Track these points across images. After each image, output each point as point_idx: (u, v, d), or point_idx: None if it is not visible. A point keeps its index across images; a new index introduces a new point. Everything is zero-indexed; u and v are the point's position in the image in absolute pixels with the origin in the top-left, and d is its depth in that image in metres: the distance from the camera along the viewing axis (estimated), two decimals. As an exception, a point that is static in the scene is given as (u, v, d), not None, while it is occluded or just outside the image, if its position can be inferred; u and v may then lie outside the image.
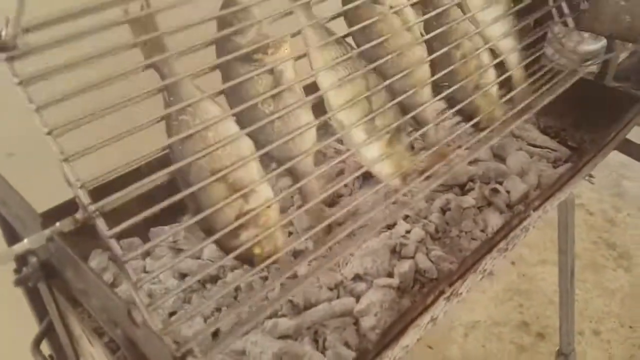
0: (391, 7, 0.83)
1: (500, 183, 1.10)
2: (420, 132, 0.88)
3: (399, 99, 0.83)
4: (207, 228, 0.66)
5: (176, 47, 0.65)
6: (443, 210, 1.05)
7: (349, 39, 0.83)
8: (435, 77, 0.88)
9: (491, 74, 0.98)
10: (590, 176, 1.35)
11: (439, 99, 0.91)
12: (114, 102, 0.59)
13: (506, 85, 1.03)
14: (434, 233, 1.01)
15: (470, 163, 1.15)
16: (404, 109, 0.86)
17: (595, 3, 1.16)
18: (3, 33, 0.54)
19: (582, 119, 1.27)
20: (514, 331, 1.94)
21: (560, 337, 1.69)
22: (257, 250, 0.65)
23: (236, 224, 0.63)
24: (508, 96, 0.99)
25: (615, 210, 2.42)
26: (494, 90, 0.99)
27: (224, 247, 0.66)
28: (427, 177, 0.87)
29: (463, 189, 1.10)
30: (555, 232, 2.23)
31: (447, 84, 0.91)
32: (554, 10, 1.15)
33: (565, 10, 1.16)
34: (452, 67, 0.90)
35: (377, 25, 0.82)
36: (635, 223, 2.34)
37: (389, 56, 0.82)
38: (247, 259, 0.68)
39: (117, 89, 0.62)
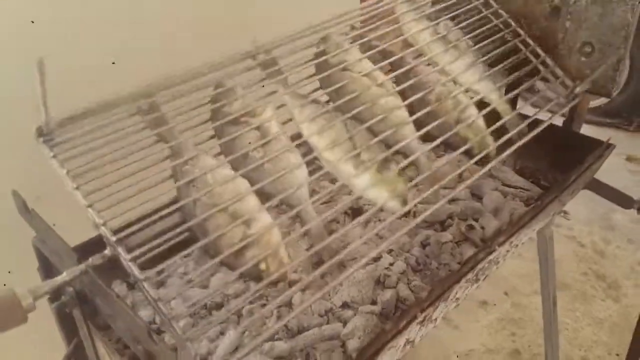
0: (359, 72, 0.98)
1: (476, 220, 1.22)
2: (410, 159, 0.99)
3: (381, 136, 0.97)
4: (214, 253, 0.78)
5: (178, 122, 0.81)
6: (423, 245, 1.17)
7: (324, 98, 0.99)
8: (414, 117, 1.02)
9: (472, 110, 1.10)
10: (565, 212, 1.46)
11: (421, 133, 1.03)
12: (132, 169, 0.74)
13: (493, 119, 1.14)
14: (415, 265, 1.13)
15: (449, 202, 1.28)
16: (388, 145, 0.99)
17: (560, 59, 1.30)
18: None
19: (555, 160, 1.39)
20: (506, 359, 2.03)
21: (546, 364, 1.79)
22: (262, 266, 0.77)
23: (241, 244, 0.76)
24: (497, 124, 1.10)
25: (605, 243, 2.52)
26: (480, 122, 1.10)
27: (232, 266, 0.78)
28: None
29: (443, 225, 1.23)
30: (546, 263, 2.32)
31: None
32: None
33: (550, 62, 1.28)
34: (428, 109, 1.04)
35: (348, 86, 0.97)
36: (624, 255, 2.44)
37: (362, 107, 0.97)
38: (255, 275, 0.80)
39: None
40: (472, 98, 1.12)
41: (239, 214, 0.80)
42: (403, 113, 1.02)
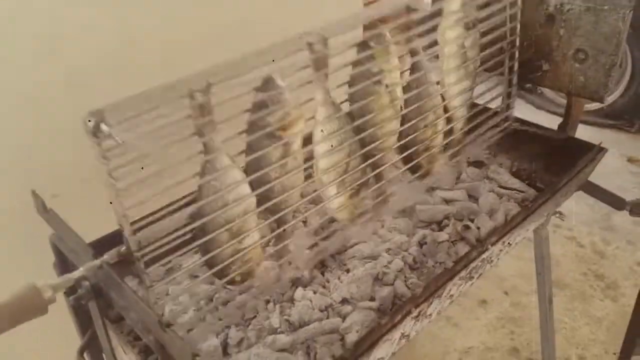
0: (387, 87, 1.02)
1: (472, 220, 1.27)
2: (377, 185, 1.09)
3: (367, 163, 1.03)
4: (210, 262, 0.86)
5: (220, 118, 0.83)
6: (420, 244, 1.22)
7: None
8: (400, 143, 1.08)
9: (438, 139, 1.17)
10: (560, 213, 1.51)
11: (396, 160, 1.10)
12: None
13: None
14: (412, 264, 1.18)
15: (447, 202, 1.34)
16: (371, 166, 1.06)
17: (555, 65, 1.35)
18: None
19: (551, 163, 1.44)
20: (505, 356, 2.08)
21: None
22: (237, 278, 0.88)
23: (229, 261, 0.84)
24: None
25: (605, 243, 2.56)
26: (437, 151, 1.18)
27: (219, 275, 0.87)
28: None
29: (440, 225, 1.28)
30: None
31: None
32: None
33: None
34: (413, 135, 1.09)
35: (371, 104, 1.02)
36: (623, 255, 2.48)
37: (372, 129, 1.02)
38: (229, 282, 0.91)
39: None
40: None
41: (239, 232, 0.87)
42: (393, 140, 1.08)
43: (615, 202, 1.40)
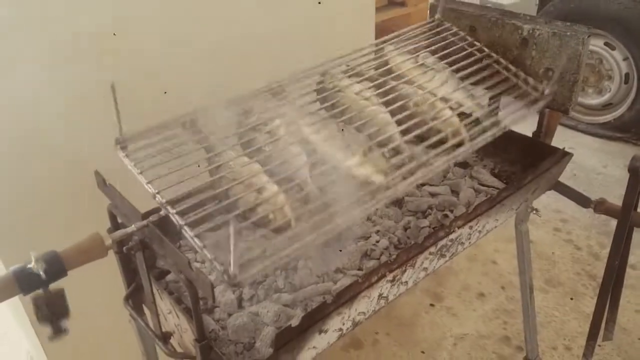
0: (356, 94, 1.28)
1: (451, 211, 1.50)
2: (392, 145, 1.25)
3: (366, 132, 1.26)
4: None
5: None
6: (405, 228, 1.46)
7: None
8: (395, 118, 1.29)
9: (447, 111, 1.33)
10: (537, 211, 1.71)
11: (402, 129, 1.27)
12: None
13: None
14: (397, 244, 1.42)
15: (431, 196, 1.57)
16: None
17: (529, 81, 1.57)
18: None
19: (528, 165, 1.66)
20: (496, 343, 2.28)
21: (525, 345, 2.04)
22: (270, 216, 1.05)
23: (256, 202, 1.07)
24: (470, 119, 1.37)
25: (601, 247, 2.74)
26: (454, 119, 1.32)
27: (247, 219, 1.08)
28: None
29: (424, 214, 1.51)
30: (543, 263, 2.59)
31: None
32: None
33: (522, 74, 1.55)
34: (407, 112, 1.31)
35: (340, 101, 1.29)
36: (616, 258, 2.65)
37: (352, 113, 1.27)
38: (264, 224, 1.08)
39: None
40: (452, 108, 1.38)
41: (253, 185, 1.11)
42: (386, 116, 1.30)
43: (582, 200, 1.61)
